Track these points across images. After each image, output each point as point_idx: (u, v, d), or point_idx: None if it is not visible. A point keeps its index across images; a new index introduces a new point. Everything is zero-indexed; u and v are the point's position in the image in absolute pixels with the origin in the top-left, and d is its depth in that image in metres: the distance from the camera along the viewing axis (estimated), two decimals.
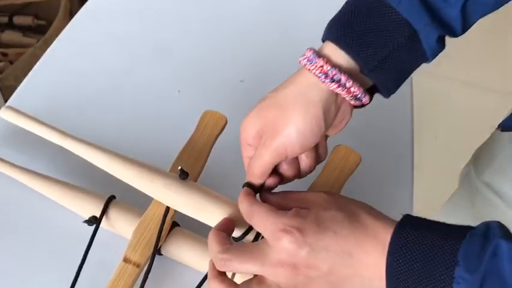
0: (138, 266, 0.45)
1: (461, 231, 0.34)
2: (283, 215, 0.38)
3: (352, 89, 0.39)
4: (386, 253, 0.35)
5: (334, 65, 0.39)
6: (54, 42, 0.69)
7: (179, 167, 0.48)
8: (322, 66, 0.39)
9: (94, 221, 0.48)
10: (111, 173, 0.49)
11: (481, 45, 1.76)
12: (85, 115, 0.61)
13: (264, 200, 0.42)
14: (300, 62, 0.41)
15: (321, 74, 0.39)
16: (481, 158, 0.65)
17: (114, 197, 0.50)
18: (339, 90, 0.39)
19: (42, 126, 0.52)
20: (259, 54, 0.71)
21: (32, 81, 0.64)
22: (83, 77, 0.65)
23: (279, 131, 0.40)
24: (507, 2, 0.41)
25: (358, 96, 0.40)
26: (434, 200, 0.78)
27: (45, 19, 1.44)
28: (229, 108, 0.61)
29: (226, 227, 0.43)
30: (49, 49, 0.68)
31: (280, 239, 0.37)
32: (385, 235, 0.36)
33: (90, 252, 0.47)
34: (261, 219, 0.39)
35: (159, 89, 0.65)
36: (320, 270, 0.36)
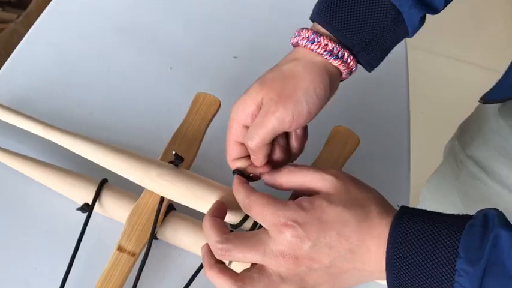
0: (133, 255, 0.44)
1: (460, 222, 0.34)
2: (283, 207, 0.37)
3: (351, 64, 0.41)
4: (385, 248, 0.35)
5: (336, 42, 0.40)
6: (38, 19, 0.67)
7: (173, 152, 0.46)
8: (327, 45, 0.40)
9: (87, 208, 0.47)
10: (101, 165, 0.47)
11: (468, 21, 1.77)
12: (72, 94, 0.59)
13: (268, 179, 0.41)
14: (296, 42, 0.41)
15: (325, 52, 0.40)
16: (465, 132, 0.66)
17: (106, 180, 0.49)
18: (341, 66, 0.41)
19: (24, 120, 0.50)
20: (252, 31, 0.69)
21: (17, 59, 0.62)
22: (69, 55, 0.63)
23: (287, 96, 0.39)
24: None
25: (353, 70, 0.42)
26: (423, 174, 0.79)
27: None
28: (223, 85, 0.60)
29: (219, 212, 0.42)
30: (33, 26, 0.66)
31: (282, 233, 0.36)
32: (388, 232, 0.36)
33: (85, 237, 0.46)
34: (260, 210, 0.38)
35: (150, 66, 0.63)
36: (322, 263, 0.36)
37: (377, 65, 0.43)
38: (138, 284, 0.44)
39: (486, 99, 0.56)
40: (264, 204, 0.38)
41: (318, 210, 0.36)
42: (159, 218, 0.46)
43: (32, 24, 0.67)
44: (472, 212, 0.35)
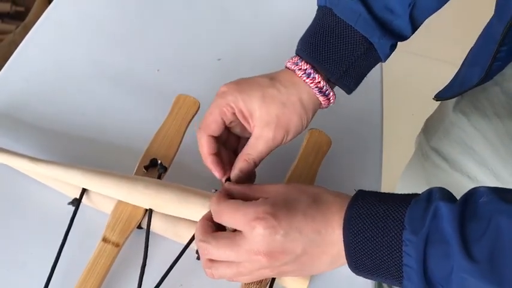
0: (117, 245, 0.47)
1: (407, 198, 0.37)
2: (252, 205, 0.40)
3: (331, 100, 0.48)
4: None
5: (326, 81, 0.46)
6: (34, 27, 0.70)
7: (159, 161, 0.50)
8: (319, 82, 0.46)
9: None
10: (90, 189, 0.50)
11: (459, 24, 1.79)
12: (66, 96, 0.62)
13: (228, 191, 0.44)
14: (292, 70, 0.47)
15: (316, 88, 0.46)
16: (429, 126, 0.70)
17: None
18: (324, 102, 0.47)
19: (10, 157, 0.51)
20: (235, 34, 0.72)
21: (14, 65, 0.65)
22: (63, 60, 0.66)
23: (282, 126, 0.46)
24: (448, 1, 0.46)
25: (331, 103, 0.48)
26: (400, 168, 0.82)
27: (23, 5, 1.44)
28: (207, 86, 0.63)
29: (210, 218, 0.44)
30: (29, 33, 0.69)
31: (255, 228, 0.38)
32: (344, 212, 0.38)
33: (76, 228, 0.48)
34: (231, 214, 0.40)
35: (139, 69, 0.66)
36: (295, 253, 0.39)
37: (355, 88, 0.49)
38: (123, 271, 0.47)
39: (438, 96, 0.60)
40: (234, 208, 0.40)
41: (282, 200, 0.40)
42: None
43: None
44: None
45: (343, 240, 0.38)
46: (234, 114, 0.46)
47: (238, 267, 0.40)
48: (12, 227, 0.50)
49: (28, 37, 0.68)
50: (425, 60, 1.75)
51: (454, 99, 0.63)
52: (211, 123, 0.46)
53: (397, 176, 0.82)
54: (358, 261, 0.37)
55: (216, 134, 0.46)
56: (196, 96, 0.56)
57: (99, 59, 0.67)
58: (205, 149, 0.46)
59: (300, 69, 0.46)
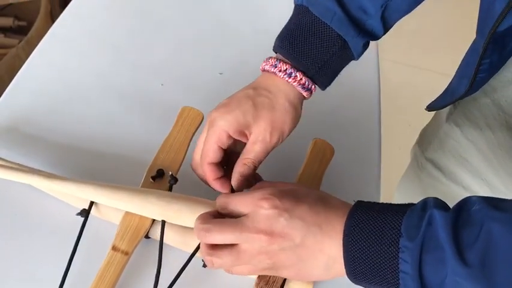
0: (126, 253, 0.48)
1: (403, 208, 0.39)
2: (260, 189, 0.42)
3: (313, 92, 0.50)
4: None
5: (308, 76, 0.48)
6: (40, 42, 0.71)
7: (170, 173, 0.52)
8: (301, 79, 0.48)
9: (85, 213, 0.51)
10: (102, 203, 0.51)
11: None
12: (72, 110, 0.63)
13: (238, 189, 0.48)
14: (272, 72, 0.49)
15: (299, 86, 0.48)
16: (424, 137, 0.72)
17: None
18: (307, 94, 0.50)
19: (23, 174, 0.51)
20: (236, 48, 0.75)
21: (21, 80, 0.66)
22: (69, 74, 0.68)
23: (277, 128, 0.48)
24: (419, 4, 0.49)
25: (313, 93, 0.50)
26: (397, 178, 0.84)
27: (25, 20, 1.46)
28: (209, 99, 0.65)
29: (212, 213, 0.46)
30: (36, 49, 0.70)
31: (262, 206, 0.41)
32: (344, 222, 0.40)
33: (85, 238, 0.49)
34: (239, 199, 0.43)
35: (143, 83, 0.68)
36: (293, 241, 0.40)
37: (329, 84, 0.52)
38: (131, 281, 0.49)
39: (431, 106, 0.63)
40: (243, 194, 0.43)
41: (291, 190, 0.42)
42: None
43: (33, 49, 0.71)
44: None
45: (343, 249, 0.39)
46: (229, 137, 0.48)
47: (239, 252, 0.41)
48: (22, 238, 0.52)
49: (35, 52, 0.70)
50: (423, 72, 1.78)
51: (447, 111, 0.65)
52: (208, 152, 0.48)
53: (395, 186, 0.84)
54: (356, 269, 0.38)
55: (215, 160, 0.48)
56: (199, 109, 0.58)
57: (104, 74, 0.68)
58: (208, 175, 0.49)
59: (280, 70, 0.48)
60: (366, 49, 0.50)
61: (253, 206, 0.41)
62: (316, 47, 0.48)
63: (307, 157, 0.56)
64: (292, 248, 0.40)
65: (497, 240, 0.33)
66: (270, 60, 0.49)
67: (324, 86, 0.51)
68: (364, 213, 0.39)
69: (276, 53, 0.51)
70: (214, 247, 0.43)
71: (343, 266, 0.39)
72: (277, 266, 0.42)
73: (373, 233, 0.38)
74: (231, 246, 0.42)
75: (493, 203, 0.35)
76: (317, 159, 0.56)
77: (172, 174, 0.53)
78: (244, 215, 0.42)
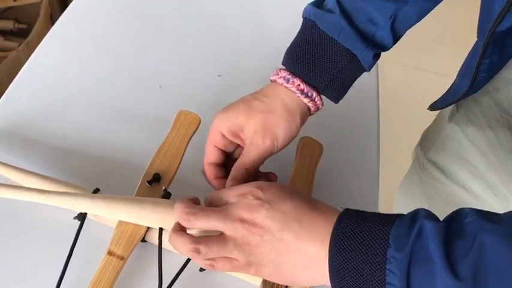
0: (121, 258, 0.48)
1: (392, 217, 0.37)
2: (250, 183, 0.43)
3: (317, 102, 0.49)
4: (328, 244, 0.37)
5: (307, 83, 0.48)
6: (39, 46, 0.71)
7: (163, 187, 0.51)
8: (299, 85, 0.48)
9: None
10: (100, 214, 0.50)
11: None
12: (71, 113, 0.63)
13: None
14: (274, 80, 0.49)
15: (298, 91, 0.48)
16: (426, 138, 0.71)
17: (98, 189, 0.53)
18: (310, 104, 0.49)
19: (19, 192, 0.50)
20: (235, 51, 0.74)
21: (20, 83, 0.66)
22: (67, 77, 0.67)
23: (270, 131, 0.47)
24: (428, 13, 0.49)
25: (320, 107, 0.50)
26: (398, 180, 0.84)
27: (26, 23, 1.46)
28: (208, 101, 0.65)
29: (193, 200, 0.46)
30: (34, 52, 0.70)
31: (246, 196, 0.41)
32: (334, 219, 0.39)
33: (81, 241, 0.49)
34: (228, 190, 0.43)
35: (141, 86, 0.68)
36: (272, 232, 0.39)
37: (342, 97, 0.51)
38: (127, 285, 0.48)
39: (433, 106, 0.62)
40: (232, 187, 0.44)
41: (282, 185, 0.42)
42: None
43: (33, 51, 0.71)
44: (437, 213, 0.38)
45: (328, 258, 0.37)
46: (223, 137, 0.48)
47: (225, 240, 0.40)
48: (19, 242, 0.51)
49: (33, 56, 0.70)
50: (424, 74, 1.78)
51: (449, 112, 0.64)
52: (207, 152, 0.50)
53: (396, 188, 0.83)
54: (342, 281, 0.36)
55: (214, 161, 0.49)
56: (197, 112, 0.58)
57: (103, 76, 0.68)
58: (208, 175, 0.50)
59: (280, 77, 0.49)
60: (377, 60, 0.50)
61: (239, 196, 0.42)
62: (324, 62, 0.48)
63: (297, 156, 0.56)
64: (272, 241, 0.39)
65: (490, 253, 0.32)
66: (275, 70, 0.50)
67: (336, 99, 0.51)
68: (351, 222, 0.38)
69: (285, 67, 0.51)
70: (197, 239, 0.42)
71: (323, 269, 0.38)
72: (258, 260, 0.40)
73: (360, 243, 0.36)
74: (216, 237, 0.41)
75: (486, 215, 0.34)
76: (307, 157, 0.56)
77: (165, 189, 0.52)
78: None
